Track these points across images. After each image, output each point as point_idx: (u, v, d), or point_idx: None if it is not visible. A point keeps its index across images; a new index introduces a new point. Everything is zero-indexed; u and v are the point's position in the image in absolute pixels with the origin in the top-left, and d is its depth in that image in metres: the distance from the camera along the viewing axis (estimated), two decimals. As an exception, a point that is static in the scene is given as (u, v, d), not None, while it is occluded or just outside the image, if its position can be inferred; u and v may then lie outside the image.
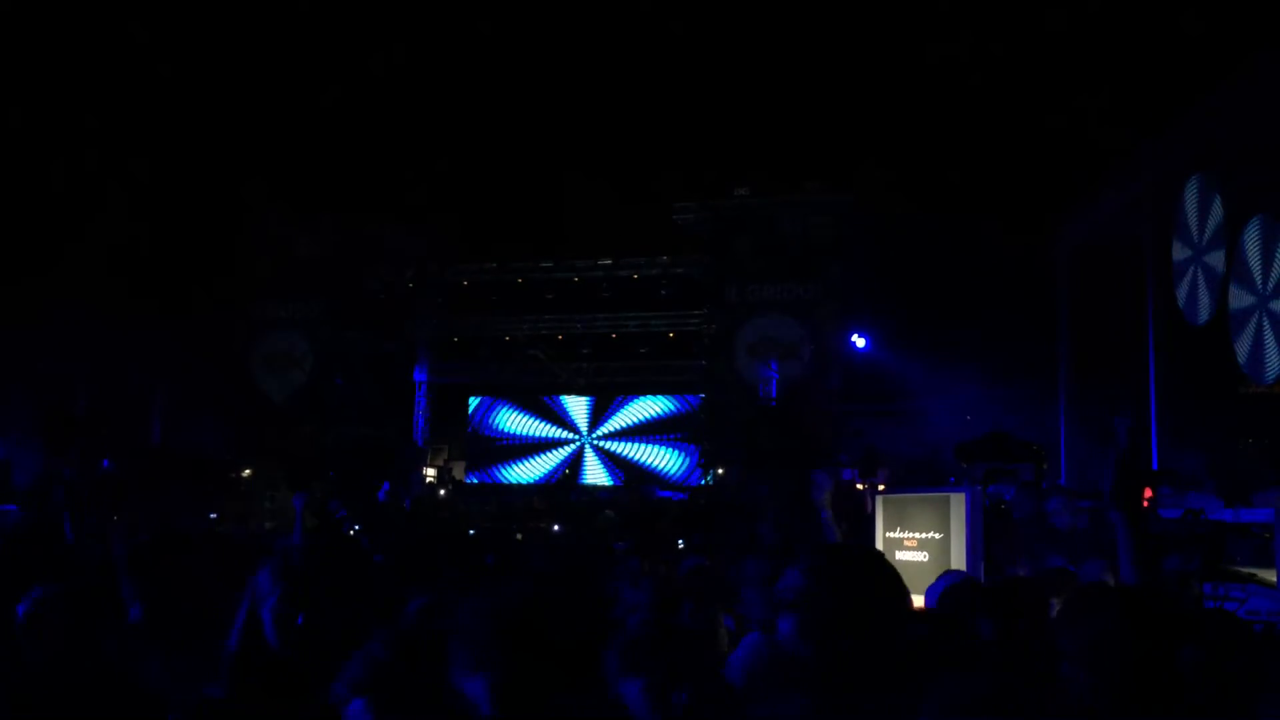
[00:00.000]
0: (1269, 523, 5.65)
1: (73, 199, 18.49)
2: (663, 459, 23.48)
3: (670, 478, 22.92)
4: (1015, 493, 8.65)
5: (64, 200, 18.43)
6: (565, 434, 24.38)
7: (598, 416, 24.18)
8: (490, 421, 24.81)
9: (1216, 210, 11.58)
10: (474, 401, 24.80)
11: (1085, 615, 2.36)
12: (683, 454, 23.13)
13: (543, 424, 24.52)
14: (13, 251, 17.45)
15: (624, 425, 24.00)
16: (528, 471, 24.36)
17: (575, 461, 24.19)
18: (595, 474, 23.98)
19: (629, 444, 23.94)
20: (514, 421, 24.71)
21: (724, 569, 5.26)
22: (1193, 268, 12.14)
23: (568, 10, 19.68)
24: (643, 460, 23.51)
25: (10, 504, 13.18)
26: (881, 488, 15.00)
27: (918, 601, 4.63)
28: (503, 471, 24.50)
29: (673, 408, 23.49)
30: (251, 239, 22.02)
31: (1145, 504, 7.82)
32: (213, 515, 15.64)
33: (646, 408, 23.84)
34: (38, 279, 17.74)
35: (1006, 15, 17.23)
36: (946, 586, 3.89)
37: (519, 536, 15.15)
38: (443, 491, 22.60)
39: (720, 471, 20.00)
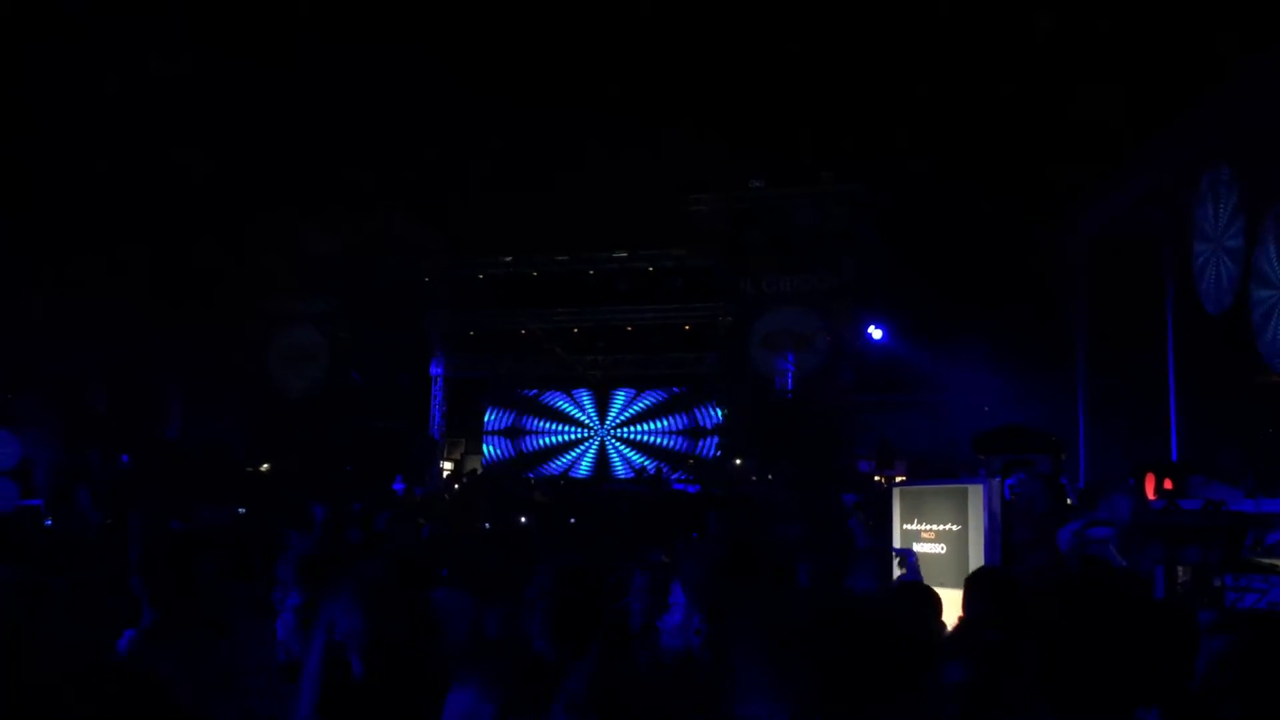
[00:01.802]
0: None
1: (88, 197, 18.60)
2: (680, 458, 23.47)
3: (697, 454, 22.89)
4: (1029, 484, 8.63)
5: (80, 198, 18.54)
6: (581, 431, 24.42)
7: (618, 411, 24.20)
8: (506, 417, 24.86)
9: (1236, 199, 11.50)
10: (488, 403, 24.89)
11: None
12: (697, 440, 23.13)
13: (557, 418, 24.58)
14: (30, 250, 17.56)
15: (636, 412, 24.03)
16: (547, 466, 24.42)
17: (599, 455, 24.23)
18: (616, 467, 24.03)
19: (645, 435, 23.97)
20: (528, 416, 24.78)
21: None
22: (1212, 257, 12.06)
23: (582, 3, 19.68)
24: (658, 458, 23.49)
25: (33, 499, 13.29)
26: (899, 479, 15.03)
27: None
28: (515, 460, 24.55)
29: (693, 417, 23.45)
30: (268, 234, 22.10)
31: (1153, 495, 7.78)
32: (240, 510, 15.69)
33: (670, 407, 23.83)
34: (55, 278, 17.86)
35: (1024, 4, 17.14)
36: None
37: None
38: (456, 486, 22.64)
39: (738, 461, 20.01)
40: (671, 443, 23.79)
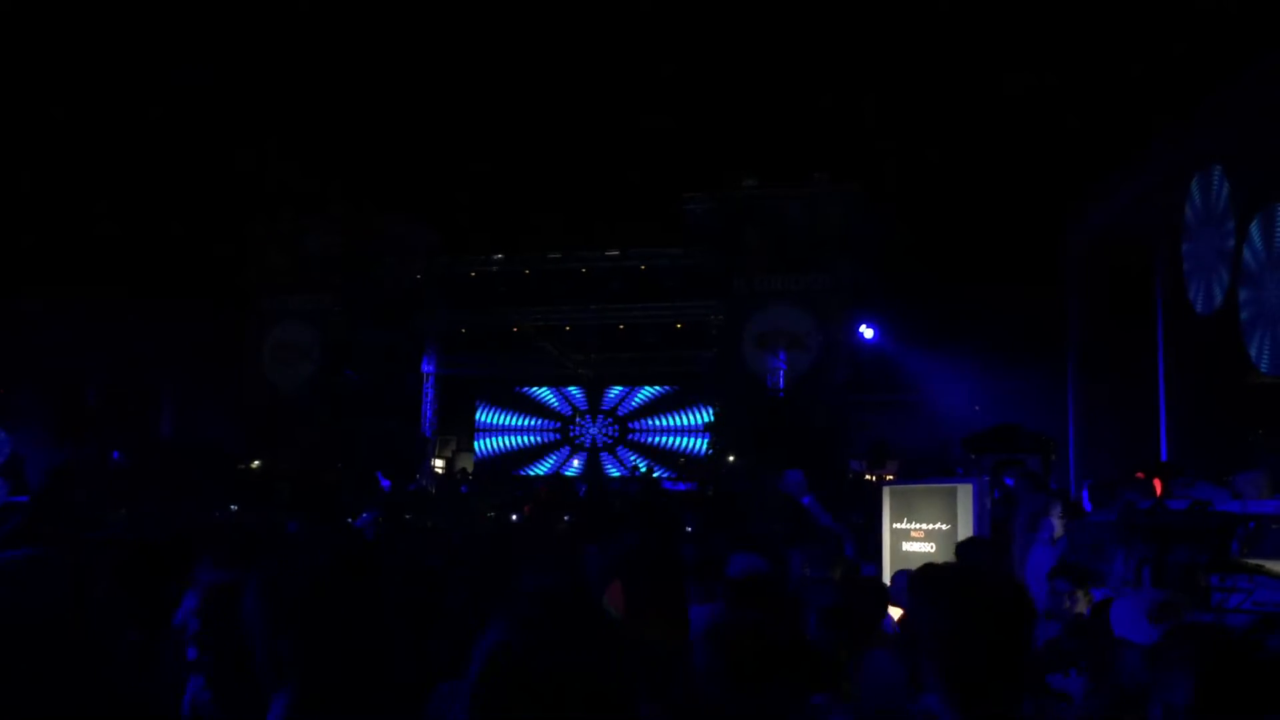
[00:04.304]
0: (1276, 514, 5.66)
1: (82, 192, 18.56)
2: (671, 455, 23.57)
3: (688, 453, 22.99)
4: (1016, 483, 8.66)
5: (73, 193, 18.50)
6: (573, 426, 24.45)
7: (611, 410, 24.25)
8: (498, 415, 24.90)
9: (1226, 201, 11.55)
10: (480, 401, 24.92)
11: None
12: (689, 439, 23.23)
13: (550, 411, 24.62)
14: (22, 246, 17.53)
15: (628, 411, 24.10)
16: (537, 464, 24.45)
17: (579, 450, 24.28)
18: (606, 465, 24.10)
19: (637, 433, 24.03)
20: (521, 414, 24.81)
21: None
22: (1202, 258, 12.11)
23: (578, 1, 19.68)
24: (650, 457, 23.59)
25: (24, 496, 13.25)
26: (890, 478, 15.07)
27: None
28: (508, 458, 24.58)
29: (687, 418, 23.56)
30: (261, 231, 22.08)
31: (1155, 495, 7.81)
32: (234, 507, 15.69)
33: (659, 405, 23.92)
34: (47, 273, 17.83)
35: (1019, 6, 17.18)
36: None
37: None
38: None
39: (730, 459, 20.02)
40: (664, 441, 23.81)
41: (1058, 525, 6.88)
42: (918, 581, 2.23)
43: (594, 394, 24.40)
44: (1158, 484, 8.62)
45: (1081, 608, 4.96)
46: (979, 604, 2.07)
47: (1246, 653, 2.66)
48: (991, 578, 2.28)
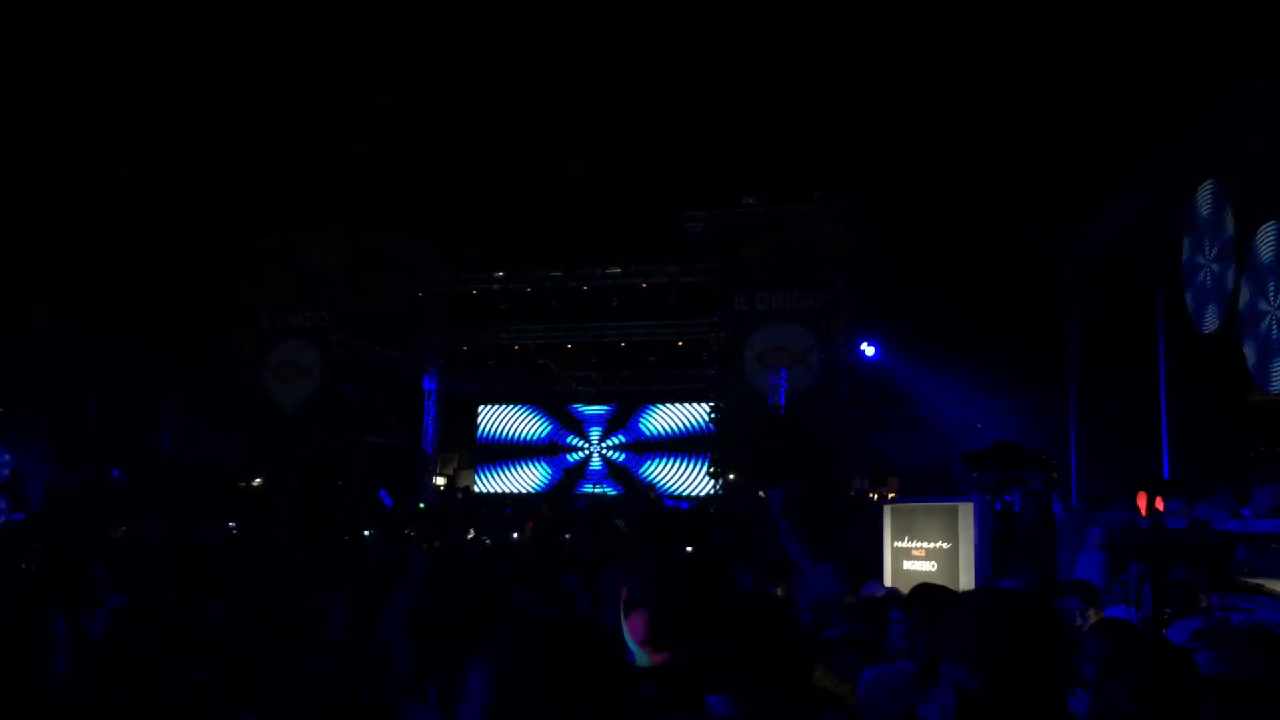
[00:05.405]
0: (1276, 533, 5.64)
1: (79, 207, 18.60)
2: (672, 473, 23.51)
3: (674, 493, 22.94)
4: (1020, 502, 8.65)
5: (71, 208, 18.54)
6: (575, 441, 24.42)
7: (611, 428, 24.22)
8: (499, 427, 24.88)
9: (1227, 218, 11.55)
10: (483, 409, 24.92)
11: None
12: (692, 465, 23.18)
13: (552, 428, 24.60)
14: (21, 262, 17.56)
15: (636, 438, 24.06)
16: (534, 478, 24.40)
17: (580, 469, 24.25)
18: (606, 484, 24.06)
19: (638, 457, 23.99)
20: (523, 427, 24.79)
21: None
22: (1202, 275, 12.11)
23: (575, 19, 19.74)
24: (650, 475, 23.56)
25: (24, 514, 13.27)
26: (891, 496, 15.02)
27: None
28: (509, 475, 24.53)
29: (688, 427, 23.49)
30: (260, 248, 22.11)
31: (1147, 514, 7.79)
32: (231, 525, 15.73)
33: (660, 422, 23.87)
34: (47, 290, 17.86)
35: (1017, 20, 17.22)
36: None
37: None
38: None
39: (731, 478, 19.98)
40: (664, 459, 23.77)
41: (1102, 532, 6.94)
42: (954, 602, 2.22)
43: (594, 411, 24.37)
44: (1159, 502, 8.60)
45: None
46: (1028, 629, 2.07)
47: (1184, 664, 2.66)
48: (1037, 602, 2.28)
